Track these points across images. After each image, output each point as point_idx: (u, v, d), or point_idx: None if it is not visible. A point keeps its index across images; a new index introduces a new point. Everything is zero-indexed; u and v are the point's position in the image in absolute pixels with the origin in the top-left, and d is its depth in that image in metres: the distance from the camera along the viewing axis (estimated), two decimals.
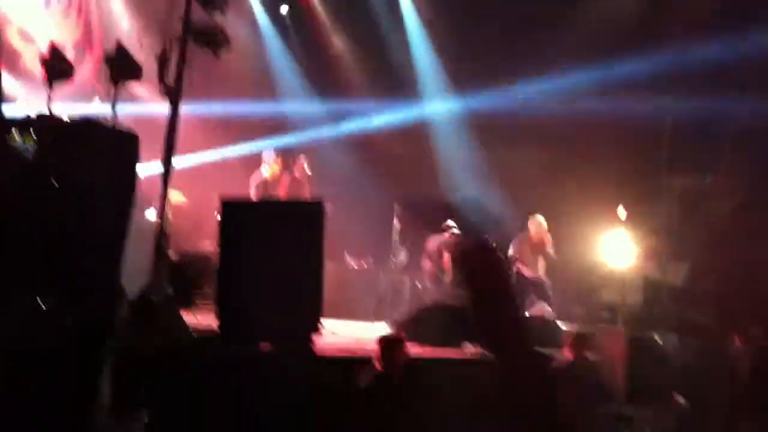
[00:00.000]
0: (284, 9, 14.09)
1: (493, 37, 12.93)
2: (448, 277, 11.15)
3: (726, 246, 12.10)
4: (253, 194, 9.97)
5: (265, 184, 10.01)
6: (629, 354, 8.35)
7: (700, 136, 12.47)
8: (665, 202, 12.71)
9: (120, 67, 6.15)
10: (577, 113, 12.66)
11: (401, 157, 13.87)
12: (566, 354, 7.20)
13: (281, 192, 10.34)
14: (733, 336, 8.74)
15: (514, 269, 10.72)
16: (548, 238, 10.83)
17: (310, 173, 10.66)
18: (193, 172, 10.58)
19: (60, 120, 5.62)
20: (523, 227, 10.96)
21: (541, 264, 10.92)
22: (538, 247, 10.86)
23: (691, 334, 10.30)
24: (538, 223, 10.93)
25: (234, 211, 6.14)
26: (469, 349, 7.69)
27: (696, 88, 11.95)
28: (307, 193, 10.50)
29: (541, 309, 10.18)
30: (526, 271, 10.69)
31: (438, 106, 14.26)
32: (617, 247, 10.56)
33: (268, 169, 9.96)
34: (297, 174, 10.68)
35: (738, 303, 10.97)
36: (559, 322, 9.27)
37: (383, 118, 13.84)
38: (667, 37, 12.23)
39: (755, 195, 12.00)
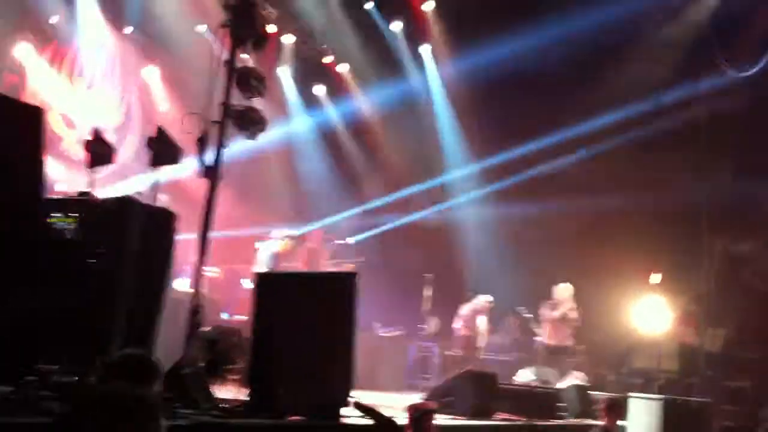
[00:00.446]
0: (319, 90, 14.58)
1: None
2: (482, 342, 11.25)
3: (765, 312, 11.94)
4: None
5: (276, 257, 10.14)
6: (665, 421, 8.24)
7: (740, 200, 12.47)
8: (704, 267, 12.61)
9: (160, 151, 6.41)
10: (614, 179, 12.78)
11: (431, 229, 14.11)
12: (601, 421, 7.17)
13: (300, 264, 10.66)
14: None
15: (538, 338, 11.03)
16: (574, 305, 10.99)
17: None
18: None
19: (98, 199, 5.87)
20: (550, 295, 11.17)
21: (568, 332, 11.08)
22: (565, 315, 11.00)
23: (729, 400, 10.14)
24: (564, 289, 11.08)
25: (268, 282, 6.27)
26: (502, 417, 7.67)
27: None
28: (324, 261, 10.86)
29: (576, 377, 10.12)
30: (552, 339, 10.92)
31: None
32: (651, 313, 10.50)
33: (280, 244, 10.12)
34: (314, 244, 11.07)
35: None
36: (592, 391, 9.22)
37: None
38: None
39: None
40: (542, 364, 10.78)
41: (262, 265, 9.84)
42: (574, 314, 11.03)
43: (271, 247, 10.19)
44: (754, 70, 11.48)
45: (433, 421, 5.60)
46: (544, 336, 11.10)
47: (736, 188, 12.41)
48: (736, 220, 12.77)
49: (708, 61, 11.98)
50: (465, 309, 11.79)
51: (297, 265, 10.88)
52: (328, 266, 11.25)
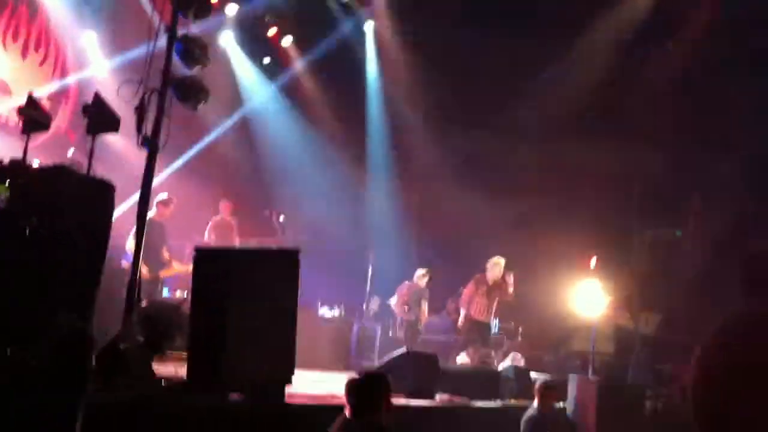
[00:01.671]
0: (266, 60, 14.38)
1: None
2: (422, 325, 11.21)
3: (697, 296, 12.29)
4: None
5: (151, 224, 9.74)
6: (600, 402, 8.39)
7: (669, 190, 12.79)
8: (637, 253, 12.94)
9: (97, 119, 6.18)
10: (550, 165, 12.95)
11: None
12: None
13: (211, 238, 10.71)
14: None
15: (463, 313, 10.66)
16: (508, 280, 10.71)
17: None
18: None
19: (32, 167, 5.62)
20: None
21: (495, 307, 10.85)
22: (495, 289, 10.74)
23: (662, 382, 10.41)
24: (494, 264, 10.79)
25: (209, 258, 6.11)
26: (443, 398, 7.69)
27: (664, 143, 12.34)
28: (235, 236, 10.76)
29: (513, 358, 10.24)
30: (479, 315, 10.64)
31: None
32: (589, 297, 10.66)
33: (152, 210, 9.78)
34: (224, 218, 10.94)
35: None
36: (531, 372, 9.33)
37: None
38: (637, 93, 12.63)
39: (724, 247, 12.24)
40: (468, 340, 10.50)
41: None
42: (506, 289, 10.77)
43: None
44: None
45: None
46: (471, 311, 10.70)
47: (667, 178, 12.73)
48: (666, 209, 13.10)
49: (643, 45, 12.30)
50: (403, 288, 11.82)
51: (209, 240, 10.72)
52: (237, 242, 11.00)
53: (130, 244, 8.94)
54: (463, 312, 10.74)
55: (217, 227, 11.00)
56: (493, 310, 10.86)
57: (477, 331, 10.62)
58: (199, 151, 12.61)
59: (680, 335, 11.95)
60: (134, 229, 9.02)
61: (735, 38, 11.64)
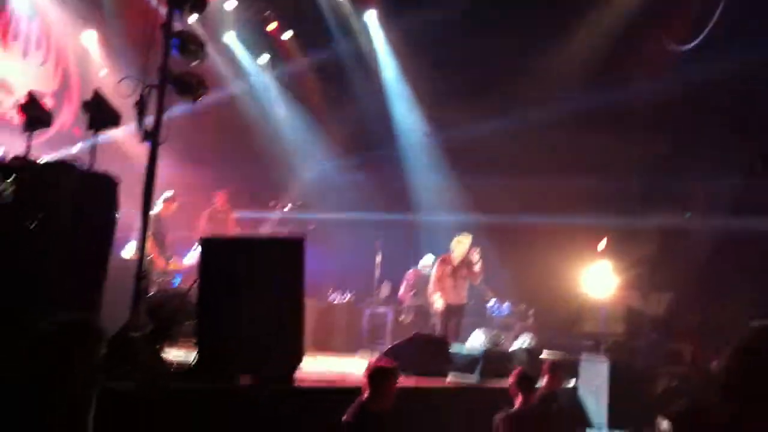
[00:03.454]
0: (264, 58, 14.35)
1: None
2: (431, 308, 11.15)
3: (707, 277, 12.29)
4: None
5: (158, 220, 9.58)
6: (612, 382, 8.40)
7: (677, 172, 12.77)
8: (646, 234, 12.93)
9: (98, 115, 6.22)
10: (553, 147, 12.93)
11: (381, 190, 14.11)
12: (544, 381, 7.25)
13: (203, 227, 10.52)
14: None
15: (436, 297, 9.95)
16: (474, 258, 9.97)
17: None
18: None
19: (36, 163, 5.67)
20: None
21: (466, 287, 10.13)
22: (461, 269, 10.05)
23: (672, 362, 10.41)
24: (458, 242, 10.12)
25: (213, 247, 6.15)
26: (453, 379, 7.71)
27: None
28: (232, 226, 10.68)
29: (524, 339, 10.24)
30: (448, 300, 9.90)
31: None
32: (599, 278, 10.66)
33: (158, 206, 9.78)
34: (218, 207, 10.89)
35: (717, 333, 11.11)
36: (544, 352, 9.34)
37: None
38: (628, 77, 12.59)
39: (730, 231, 12.24)
40: (443, 325, 9.84)
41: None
42: (472, 268, 9.98)
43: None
44: (694, 43, 11.59)
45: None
46: (442, 295, 9.92)
47: (673, 161, 12.72)
48: (674, 191, 13.08)
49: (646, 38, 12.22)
50: (410, 275, 11.84)
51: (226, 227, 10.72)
52: (234, 231, 10.91)
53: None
54: (436, 297, 9.99)
55: (212, 219, 10.78)
56: (465, 292, 10.12)
57: (451, 315, 9.92)
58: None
59: (691, 315, 11.98)
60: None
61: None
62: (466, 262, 9.96)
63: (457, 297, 9.97)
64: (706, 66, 10.99)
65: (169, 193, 9.67)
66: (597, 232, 11.27)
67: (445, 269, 9.98)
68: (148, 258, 8.63)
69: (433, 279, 10.06)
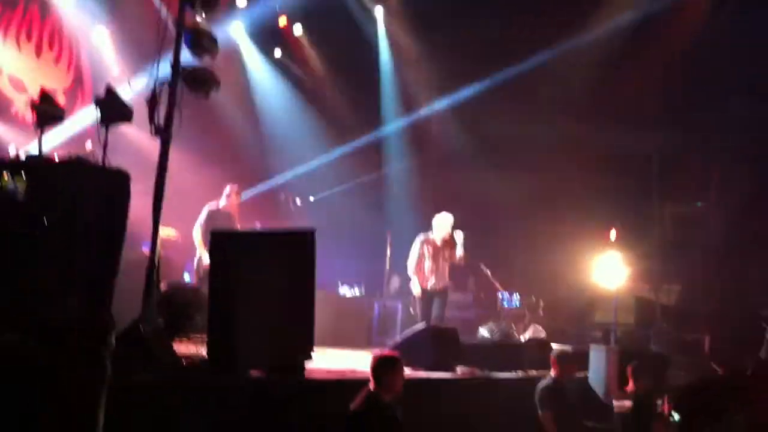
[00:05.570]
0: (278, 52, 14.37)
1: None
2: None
3: (717, 267, 12.29)
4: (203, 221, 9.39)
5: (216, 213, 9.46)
6: (621, 371, 8.44)
7: (689, 164, 12.77)
8: (658, 226, 12.94)
9: (110, 110, 6.27)
10: (566, 140, 12.94)
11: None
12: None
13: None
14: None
15: (414, 281, 9.47)
16: (457, 240, 9.34)
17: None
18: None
19: (49, 160, 5.73)
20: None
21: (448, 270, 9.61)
22: (443, 251, 9.51)
23: (683, 352, 10.44)
24: (439, 222, 9.55)
25: (224, 241, 6.21)
26: (464, 371, 7.76)
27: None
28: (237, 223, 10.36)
29: (534, 331, 10.28)
30: (424, 284, 9.44)
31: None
32: (609, 269, 10.68)
33: (225, 200, 9.56)
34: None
35: (728, 323, 11.14)
36: (553, 344, 9.36)
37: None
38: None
39: (745, 220, 12.22)
40: (422, 312, 9.40)
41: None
42: (454, 250, 9.38)
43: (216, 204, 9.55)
44: None
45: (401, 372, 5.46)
46: (420, 279, 9.45)
47: (687, 151, 12.71)
48: (686, 181, 13.08)
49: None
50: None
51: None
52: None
53: (196, 233, 9.19)
54: (413, 281, 9.51)
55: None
56: (446, 274, 9.57)
57: (431, 300, 9.41)
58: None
59: (701, 305, 12.00)
60: (200, 217, 9.33)
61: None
62: (448, 243, 9.41)
63: (437, 280, 9.43)
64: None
65: (228, 189, 9.55)
66: (608, 222, 11.28)
67: (424, 250, 9.45)
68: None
69: (411, 260, 9.48)
